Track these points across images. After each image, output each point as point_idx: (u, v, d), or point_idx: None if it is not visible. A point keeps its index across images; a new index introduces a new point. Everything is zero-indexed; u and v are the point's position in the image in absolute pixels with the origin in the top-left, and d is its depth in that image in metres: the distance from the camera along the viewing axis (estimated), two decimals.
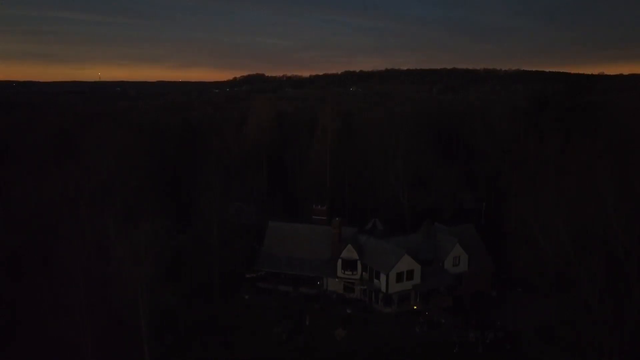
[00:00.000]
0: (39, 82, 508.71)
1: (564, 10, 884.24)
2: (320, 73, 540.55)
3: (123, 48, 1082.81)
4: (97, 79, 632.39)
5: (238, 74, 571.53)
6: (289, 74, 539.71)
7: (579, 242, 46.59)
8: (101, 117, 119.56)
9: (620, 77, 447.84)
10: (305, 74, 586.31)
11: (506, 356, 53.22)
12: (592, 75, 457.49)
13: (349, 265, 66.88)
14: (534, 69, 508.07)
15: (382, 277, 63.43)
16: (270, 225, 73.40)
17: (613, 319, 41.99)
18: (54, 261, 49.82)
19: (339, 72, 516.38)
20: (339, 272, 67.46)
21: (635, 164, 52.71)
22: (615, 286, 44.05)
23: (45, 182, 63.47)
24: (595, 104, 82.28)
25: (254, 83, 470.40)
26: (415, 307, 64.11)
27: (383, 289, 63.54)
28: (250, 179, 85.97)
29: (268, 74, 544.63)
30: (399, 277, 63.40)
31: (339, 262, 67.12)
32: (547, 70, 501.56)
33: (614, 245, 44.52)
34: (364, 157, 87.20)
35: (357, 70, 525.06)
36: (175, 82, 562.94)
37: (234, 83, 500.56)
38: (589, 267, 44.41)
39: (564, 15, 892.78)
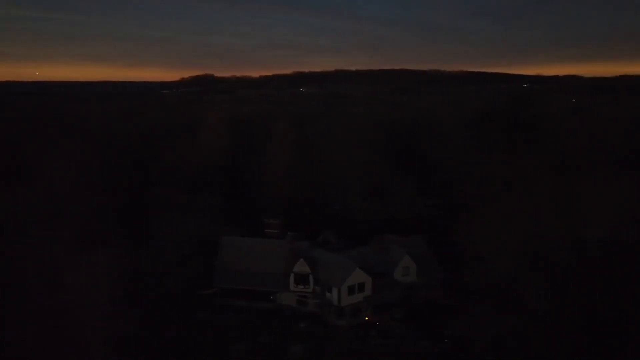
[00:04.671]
0: None
1: (508, 13, 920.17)
2: (270, 73, 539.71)
3: (67, 46, 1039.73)
4: (35, 79, 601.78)
5: (186, 74, 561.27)
6: (238, 74, 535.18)
7: (525, 258, 48.55)
8: (49, 123, 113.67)
9: (555, 78, 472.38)
10: (255, 74, 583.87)
11: None
12: (528, 76, 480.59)
13: (302, 279, 67.11)
14: (477, 70, 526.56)
15: (335, 290, 64.00)
16: (223, 240, 72.61)
17: (558, 330, 44.00)
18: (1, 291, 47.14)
19: (289, 73, 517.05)
20: (292, 286, 67.58)
21: (574, 179, 55.53)
22: (560, 299, 46.21)
23: None
24: (538, 117, 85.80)
25: (204, 84, 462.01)
26: (367, 319, 65.04)
27: (335, 302, 64.12)
28: (205, 191, 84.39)
29: (218, 74, 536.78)
30: (351, 290, 64.17)
31: (292, 276, 67.27)
32: (489, 71, 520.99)
33: (557, 260, 46.76)
34: (318, 168, 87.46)
35: (307, 70, 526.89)
36: (123, 82, 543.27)
37: (182, 84, 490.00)
38: (535, 282, 46.43)
39: (507, 18, 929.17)
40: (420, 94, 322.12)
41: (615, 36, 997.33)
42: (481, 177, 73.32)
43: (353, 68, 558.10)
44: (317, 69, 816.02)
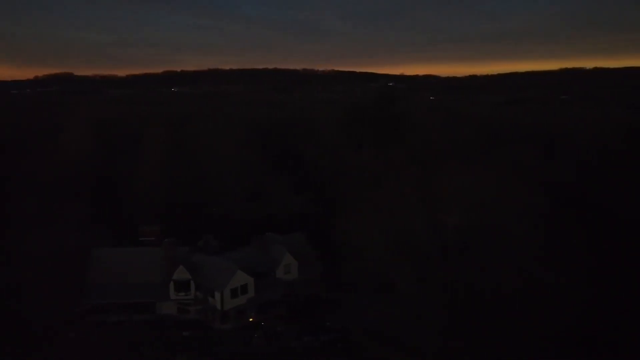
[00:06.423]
0: None
1: (374, 16, 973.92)
2: (139, 72, 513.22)
3: None
4: None
5: (40, 72, 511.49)
6: (102, 73, 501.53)
7: (395, 246, 52.05)
8: None
9: (416, 78, 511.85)
10: (122, 73, 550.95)
11: (339, 356, 57.24)
12: (393, 76, 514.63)
13: (182, 286, 65.27)
14: (347, 70, 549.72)
15: (217, 294, 63.32)
16: (94, 252, 67.96)
17: (426, 314, 47.93)
18: None
19: (160, 72, 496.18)
20: (172, 295, 65.44)
21: (434, 170, 60.69)
22: (426, 282, 50.33)
23: None
24: (403, 114, 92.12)
25: (63, 83, 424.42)
26: (251, 320, 65.22)
27: (219, 306, 63.47)
28: (72, 201, 78.07)
29: (78, 72, 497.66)
30: (234, 293, 63.96)
31: (171, 284, 65.13)
32: (358, 71, 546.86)
33: (423, 246, 50.84)
34: (195, 171, 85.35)
35: (179, 69, 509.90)
36: None
37: (36, 82, 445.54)
38: (404, 268, 50.04)
39: (372, 20, 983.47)
40: (294, 93, 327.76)
41: (465, 40, 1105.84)
42: (353, 172, 76.97)
43: (227, 67, 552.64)
44: (190, 68, 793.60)
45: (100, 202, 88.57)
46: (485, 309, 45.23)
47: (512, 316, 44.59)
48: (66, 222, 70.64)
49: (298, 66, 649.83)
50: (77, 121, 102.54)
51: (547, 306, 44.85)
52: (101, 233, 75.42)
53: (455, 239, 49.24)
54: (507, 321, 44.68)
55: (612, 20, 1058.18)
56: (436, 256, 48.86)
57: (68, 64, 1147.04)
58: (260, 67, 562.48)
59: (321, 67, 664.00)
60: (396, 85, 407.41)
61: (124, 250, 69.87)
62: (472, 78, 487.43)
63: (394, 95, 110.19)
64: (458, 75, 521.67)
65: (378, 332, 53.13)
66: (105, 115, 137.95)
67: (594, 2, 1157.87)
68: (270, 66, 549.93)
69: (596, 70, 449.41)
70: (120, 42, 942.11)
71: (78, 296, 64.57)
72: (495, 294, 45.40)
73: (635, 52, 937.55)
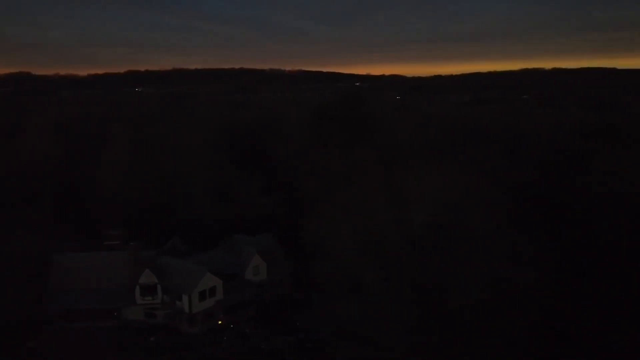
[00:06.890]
0: None
1: (339, 17, 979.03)
2: (100, 72, 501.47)
3: None
4: None
5: None
6: (62, 72, 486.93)
7: (363, 245, 52.28)
8: None
9: (382, 78, 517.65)
10: (82, 72, 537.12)
11: (309, 356, 57.18)
12: (360, 75, 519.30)
13: (149, 290, 64.03)
14: (314, 70, 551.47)
15: (185, 297, 62.38)
16: (56, 258, 65.94)
17: (395, 312, 48.28)
18: None
19: (122, 71, 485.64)
20: (138, 299, 64.14)
21: (401, 169, 61.27)
22: (393, 279, 50.75)
23: None
24: (369, 114, 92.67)
25: (20, 83, 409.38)
26: (220, 322, 64.49)
27: (187, 309, 62.51)
28: (32, 204, 75.39)
29: (36, 72, 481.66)
30: (202, 295, 63.16)
31: (137, 288, 63.79)
32: (325, 70, 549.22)
33: (390, 244, 51.20)
34: (161, 173, 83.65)
35: (143, 69, 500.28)
36: None
37: None
38: (372, 267, 50.32)
39: (339, 19, 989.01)
40: (261, 93, 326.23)
41: (430, 40, 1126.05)
42: (321, 172, 77.00)
43: (192, 67, 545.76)
44: (154, 67, 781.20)
45: (63, 206, 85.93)
46: (453, 306, 45.90)
47: (480, 313, 45.40)
48: (26, 226, 68.17)
49: (265, 66, 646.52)
50: (36, 122, 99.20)
51: (514, 302, 45.82)
52: (63, 237, 73.20)
53: (422, 237, 49.79)
54: (475, 318, 45.47)
55: (570, 22, 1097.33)
56: (404, 255, 49.31)
57: (25, 63, 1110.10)
58: (227, 67, 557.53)
59: (288, 67, 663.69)
60: (363, 85, 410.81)
61: (88, 254, 67.97)
62: (437, 78, 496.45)
63: (361, 95, 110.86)
64: (423, 76, 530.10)
65: (348, 331, 53.27)
66: (65, 116, 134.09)
67: (552, 4, 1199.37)
68: (237, 66, 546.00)
69: (554, 71, 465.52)
70: (81, 41, 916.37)
71: (40, 303, 62.55)
72: (463, 292, 46.10)
73: (591, 53, 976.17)
